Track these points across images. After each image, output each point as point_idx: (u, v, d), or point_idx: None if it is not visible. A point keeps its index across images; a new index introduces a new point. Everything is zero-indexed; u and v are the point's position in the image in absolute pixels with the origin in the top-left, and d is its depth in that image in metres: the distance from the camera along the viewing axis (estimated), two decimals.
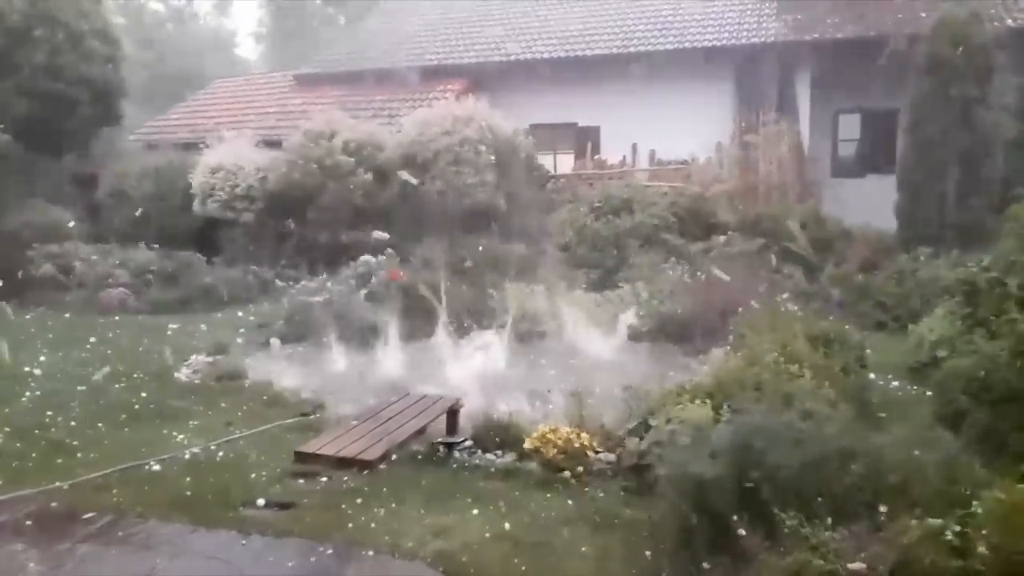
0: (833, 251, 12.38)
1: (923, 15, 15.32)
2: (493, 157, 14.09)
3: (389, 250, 12.41)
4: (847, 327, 7.97)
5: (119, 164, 17.11)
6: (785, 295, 10.37)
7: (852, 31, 16.18)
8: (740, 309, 8.92)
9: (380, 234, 11.08)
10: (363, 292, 11.46)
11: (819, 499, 3.97)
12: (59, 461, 6.25)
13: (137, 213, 15.51)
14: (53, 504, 5.53)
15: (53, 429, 6.96)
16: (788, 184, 14.97)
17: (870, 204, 13.54)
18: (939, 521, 3.67)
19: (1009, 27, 14.62)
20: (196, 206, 15.20)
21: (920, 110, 12.95)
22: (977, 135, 12.51)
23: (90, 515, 5.33)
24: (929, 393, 6.88)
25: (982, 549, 3.49)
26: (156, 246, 14.74)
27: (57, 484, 5.77)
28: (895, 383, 7.73)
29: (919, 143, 12.92)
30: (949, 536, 3.62)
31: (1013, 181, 11.75)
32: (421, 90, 17.97)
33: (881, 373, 7.83)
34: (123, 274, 13.73)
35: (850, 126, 17.84)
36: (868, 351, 8.10)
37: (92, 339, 10.67)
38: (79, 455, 6.37)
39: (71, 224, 15.00)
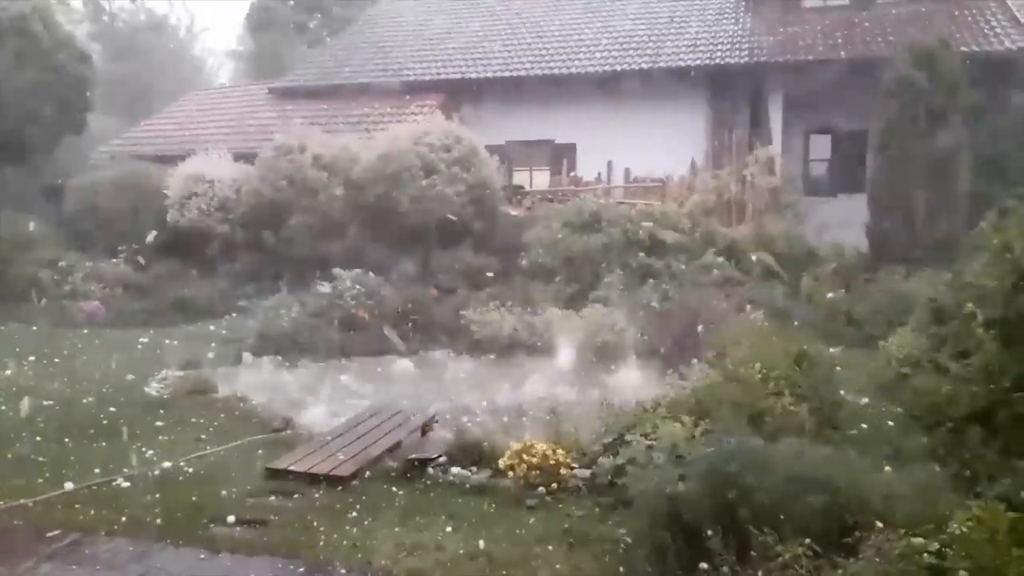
0: (806, 269, 12.54)
1: (891, 38, 15.68)
2: (466, 173, 14.11)
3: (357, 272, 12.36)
4: (819, 344, 8.06)
5: (90, 175, 16.88)
6: (760, 312, 10.49)
7: (823, 53, 16.49)
8: (715, 326, 9.00)
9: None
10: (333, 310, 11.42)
11: (792, 518, 3.99)
12: (24, 477, 6.12)
13: (110, 226, 15.30)
14: (17, 522, 5.41)
15: (18, 444, 6.82)
16: (762, 202, 15.15)
17: (841, 223, 13.76)
18: (919, 540, 3.70)
19: (975, 52, 14.98)
20: (171, 216, 15.05)
21: (888, 132, 13.22)
22: (944, 155, 12.78)
23: (55, 533, 5.21)
24: (898, 410, 6.98)
25: (962, 571, 3.53)
26: (126, 256, 14.57)
27: (22, 501, 5.66)
28: (864, 400, 7.81)
29: (888, 164, 13.18)
30: (926, 556, 3.65)
31: (985, 198, 12.01)
32: (398, 104, 17.98)
33: (851, 390, 7.90)
34: (94, 287, 13.54)
35: (821, 146, 18.11)
36: (839, 368, 8.19)
37: (61, 353, 10.49)
38: (45, 471, 6.24)
39: (43, 235, 14.77)
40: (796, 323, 10.45)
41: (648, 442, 5.57)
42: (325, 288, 11.70)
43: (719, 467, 4.23)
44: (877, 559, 3.69)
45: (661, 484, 4.34)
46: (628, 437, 5.82)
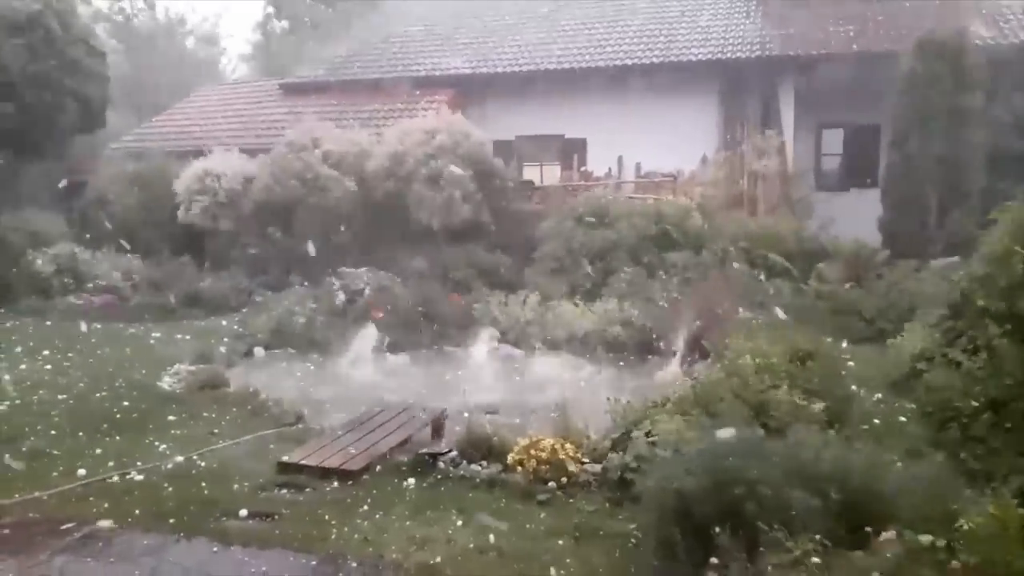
0: (817, 264, 12.48)
1: (904, 32, 15.56)
2: (472, 170, 14.10)
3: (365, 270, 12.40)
4: (830, 340, 8.03)
5: (104, 171, 16.99)
6: (770, 306, 10.46)
7: (836, 47, 16.38)
8: (724, 321, 8.98)
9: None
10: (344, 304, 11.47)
11: (798, 513, 3.97)
12: (39, 470, 6.18)
13: (122, 221, 15.40)
14: (32, 514, 5.46)
15: (33, 438, 6.88)
16: (773, 197, 15.08)
17: (853, 218, 13.68)
18: (928, 537, 3.69)
19: (990, 45, 14.84)
20: (180, 214, 15.14)
21: (903, 125, 13.13)
22: (960, 149, 12.68)
23: (69, 525, 5.26)
24: (911, 406, 6.94)
25: (954, 561, 3.52)
26: (138, 252, 14.66)
27: (36, 494, 5.71)
28: (877, 395, 7.78)
29: (903, 158, 13.09)
30: (937, 553, 3.63)
31: (997, 194, 11.92)
32: (408, 100, 17.99)
33: (863, 386, 7.87)
34: (107, 281, 13.63)
35: (833, 140, 18.01)
36: (851, 364, 8.16)
37: (74, 347, 10.57)
38: (59, 464, 6.30)
39: (57, 230, 14.89)
40: (806, 318, 10.41)
41: (653, 437, 5.57)
42: (337, 285, 11.75)
43: (716, 459, 4.22)
44: (887, 555, 3.68)
45: (667, 479, 4.33)
46: (634, 433, 5.82)
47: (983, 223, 6.01)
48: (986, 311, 5.37)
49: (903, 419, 6.78)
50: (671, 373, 8.84)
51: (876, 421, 6.81)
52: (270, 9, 33.00)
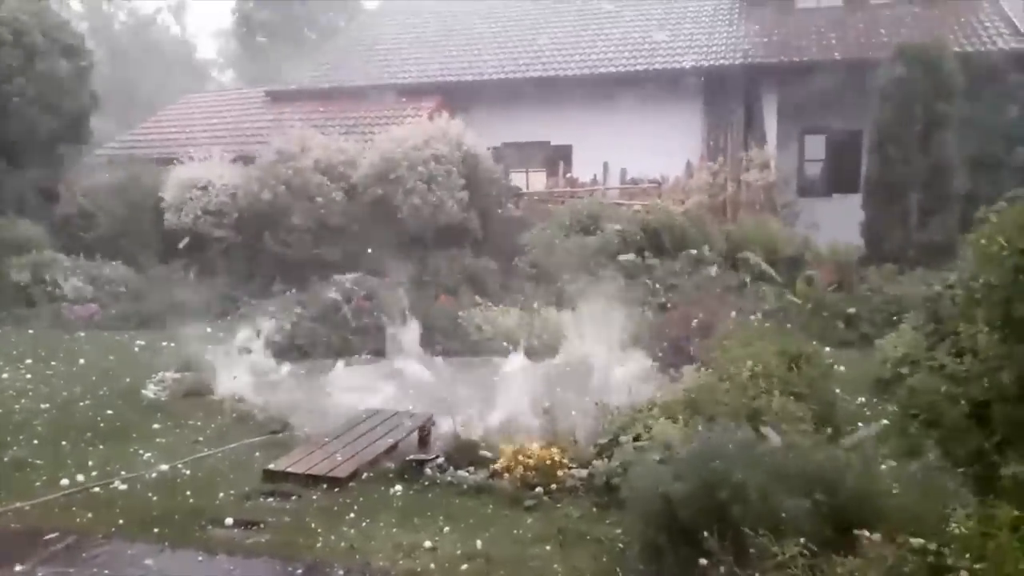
0: (800, 269, 12.56)
1: (886, 39, 15.74)
2: (463, 178, 14.08)
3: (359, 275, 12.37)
4: (815, 344, 8.08)
5: (87, 178, 16.85)
6: (755, 311, 10.51)
7: (818, 54, 16.53)
8: (710, 326, 9.02)
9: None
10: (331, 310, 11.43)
11: (787, 515, 3.99)
12: (21, 480, 6.12)
13: (106, 228, 15.28)
14: (14, 525, 5.41)
15: (15, 447, 6.81)
16: (757, 203, 15.18)
17: (836, 223, 13.80)
18: (920, 541, 3.71)
19: (968, 52, 15.03)
20: (168, 219, 15.03)
21: (884, 131, 13.27)
22: (941, 155, 12.83)
23: (52, 536, 5.21)
24: (894, 409, 7.00)
25: (963, 572, 3.53)
26: (121, 259, 14.55)
27: (19, 504, 5.65)
28: (861, 399, 7.84)
29: (884, 163, 13.23)
30: (926, 555, 3.66)
31: (979, 199, 12.05)
32: (394, 107, 17.99)
33: (847, 390, 7.92)
34: (90, 289, 13.52)
35: (816, 146, 18.17)
36: (836, 367, 8.20)
37: (58, 355, 10.47)
38: (42, 474, 6.24)
39: (39, 237, 14.74)
40: (790, 323, 10.47)
41: (641, 443, 5.58)
42: (328, 292, 11.71)
43: (706, 462, 4.23)
44: (873, 557, 3.70)
45: (654, 484, 4.34)
46: (622, 438, 5.83)
47: (964, 228, 6.06)
48: (974, 314, 5.42)
49: (886, 422, 6.82)
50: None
51: (860, 424, 6.85)
52: (240, 14, 32.67)
